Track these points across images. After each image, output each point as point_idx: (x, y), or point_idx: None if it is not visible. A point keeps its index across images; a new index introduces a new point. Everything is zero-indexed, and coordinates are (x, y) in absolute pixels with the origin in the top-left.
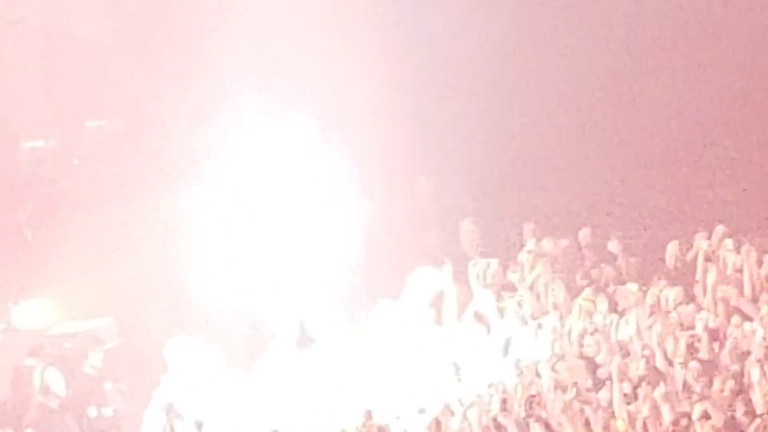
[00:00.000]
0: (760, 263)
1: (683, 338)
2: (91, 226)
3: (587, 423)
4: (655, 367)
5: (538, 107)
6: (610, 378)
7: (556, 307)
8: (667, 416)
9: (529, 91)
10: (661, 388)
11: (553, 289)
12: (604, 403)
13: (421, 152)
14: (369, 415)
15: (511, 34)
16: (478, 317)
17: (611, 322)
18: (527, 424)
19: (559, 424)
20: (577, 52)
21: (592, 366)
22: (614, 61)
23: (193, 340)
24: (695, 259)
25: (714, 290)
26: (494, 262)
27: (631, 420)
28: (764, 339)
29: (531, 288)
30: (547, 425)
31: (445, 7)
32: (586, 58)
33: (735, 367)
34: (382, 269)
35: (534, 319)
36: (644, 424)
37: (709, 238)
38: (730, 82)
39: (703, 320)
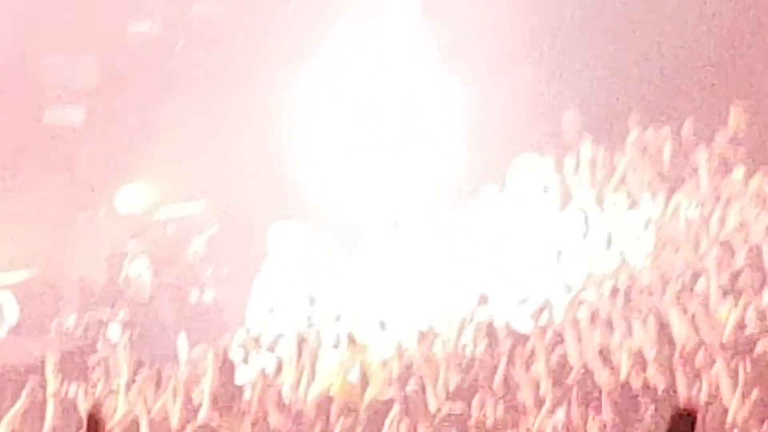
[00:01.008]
0: None
1: None
2: (195, 110)
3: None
4: (756, 261)
5: None
6: (707, 270)
7: (656, 197)
8: None
9: None
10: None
11: (650, 180)
12: (701, 296)
13: (526, 39)
14: (484, 299)
15: None
16: (580, 208)
17: (712, 213)
18: (628, 318)
19: (662, 317)
20: None
21: (693, 257)
22: None
23: (294, 226)
24: None
25: None
26: (597, 152)
27: (731, 313)
28: None
29: (632, 177)
30: (650, 318)
31: None
32: None
33: None
34: (485, 157)
35: (634, 209)
36: (742, 319)
37: None
38: None
39: None
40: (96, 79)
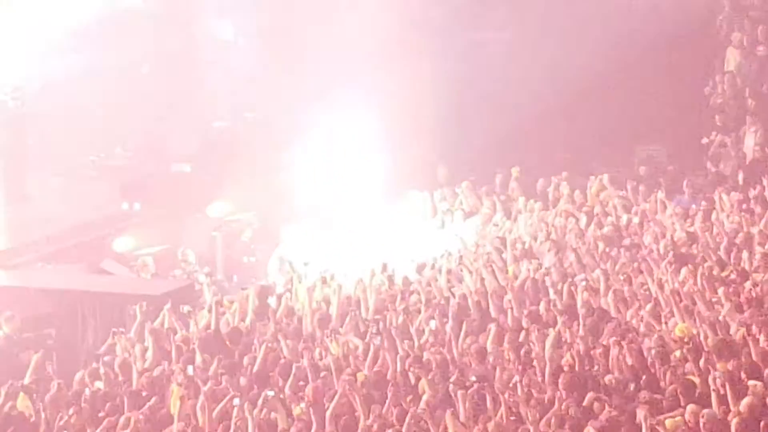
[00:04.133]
0: None
1: None
2: (243, 170)
3: None
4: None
5: None
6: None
7: (477, 215)
8: None
9: None
10: None
11: (474, 205)
12: (501, 261)
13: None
14: (384, 267)
15: None
16: (440, 218)
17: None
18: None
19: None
20: None
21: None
22: None
23: (295, 226)
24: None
25: None
26: (448, 189)
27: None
28: None
29: (466, 203)
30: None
31: None
32: None
33: None
34: (395, 189)
35: (468, 218)
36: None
37: None
38: None
39: None
40: (196, 148)
